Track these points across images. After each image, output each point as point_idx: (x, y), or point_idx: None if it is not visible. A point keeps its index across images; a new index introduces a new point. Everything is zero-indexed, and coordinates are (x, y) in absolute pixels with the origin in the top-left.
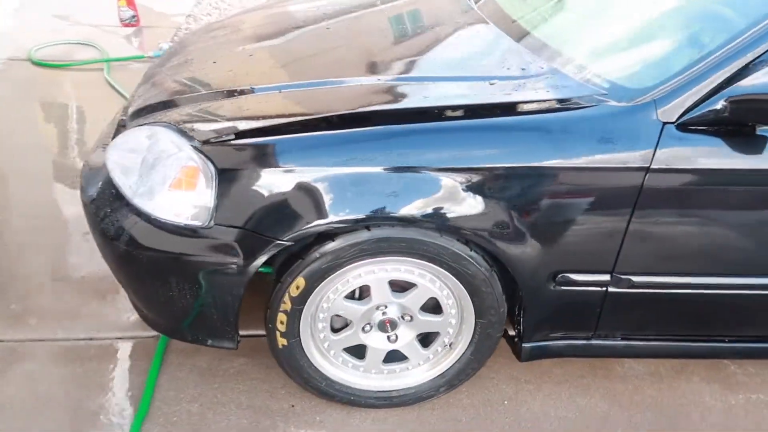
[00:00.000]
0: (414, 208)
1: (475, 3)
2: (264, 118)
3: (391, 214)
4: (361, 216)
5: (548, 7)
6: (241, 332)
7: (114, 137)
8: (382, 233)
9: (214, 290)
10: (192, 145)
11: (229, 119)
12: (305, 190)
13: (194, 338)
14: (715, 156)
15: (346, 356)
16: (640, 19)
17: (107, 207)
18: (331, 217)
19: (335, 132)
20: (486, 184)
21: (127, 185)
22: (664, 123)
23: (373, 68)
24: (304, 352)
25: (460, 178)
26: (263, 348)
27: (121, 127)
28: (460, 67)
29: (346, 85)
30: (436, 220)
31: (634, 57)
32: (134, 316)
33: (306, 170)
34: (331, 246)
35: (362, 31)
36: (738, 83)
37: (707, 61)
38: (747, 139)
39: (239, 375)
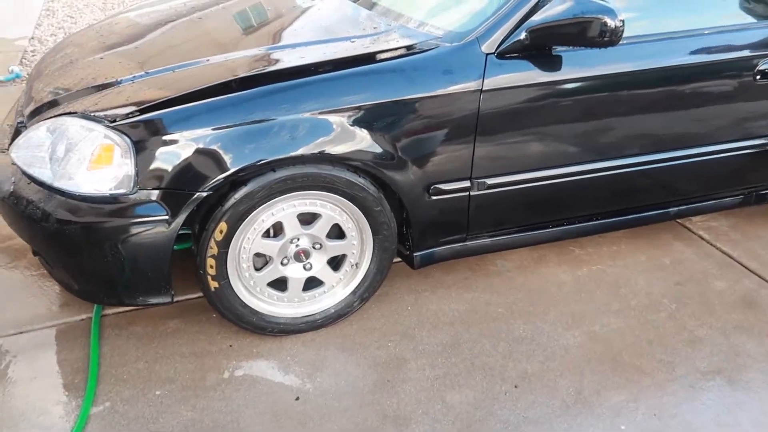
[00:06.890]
0: (309, 147)
1: None
2: (162, 95)
3: (290, 155)
4: (267, 159)
5: None
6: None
7: (12, 140)
8: (286, 172)
9: (147, 248)
10: (105, 125)
11: (128, 103)
12: (215, 146)
13: (131, 300)
14: (527, 74)
15: (271, 290)
16: None
17: (27, 197)
18: (240, 164)
19: (234, 94)
20: (363, 119)
21: (46, 175)
22: (487, 54)
23: (252, 42)
24: (234, 291)
25: (342, 117)
26: (194, 308)
27: (18, 131)
28: (325, 34)
29: (231, 59)
30: (328, 155)
31: (458, 9)
32: (56, 306)
33: (213, 130)
34: (244, 190)
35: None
36: (531, 18)
37: (507, 4)
38: (548, 59)
39: (176, 332)
